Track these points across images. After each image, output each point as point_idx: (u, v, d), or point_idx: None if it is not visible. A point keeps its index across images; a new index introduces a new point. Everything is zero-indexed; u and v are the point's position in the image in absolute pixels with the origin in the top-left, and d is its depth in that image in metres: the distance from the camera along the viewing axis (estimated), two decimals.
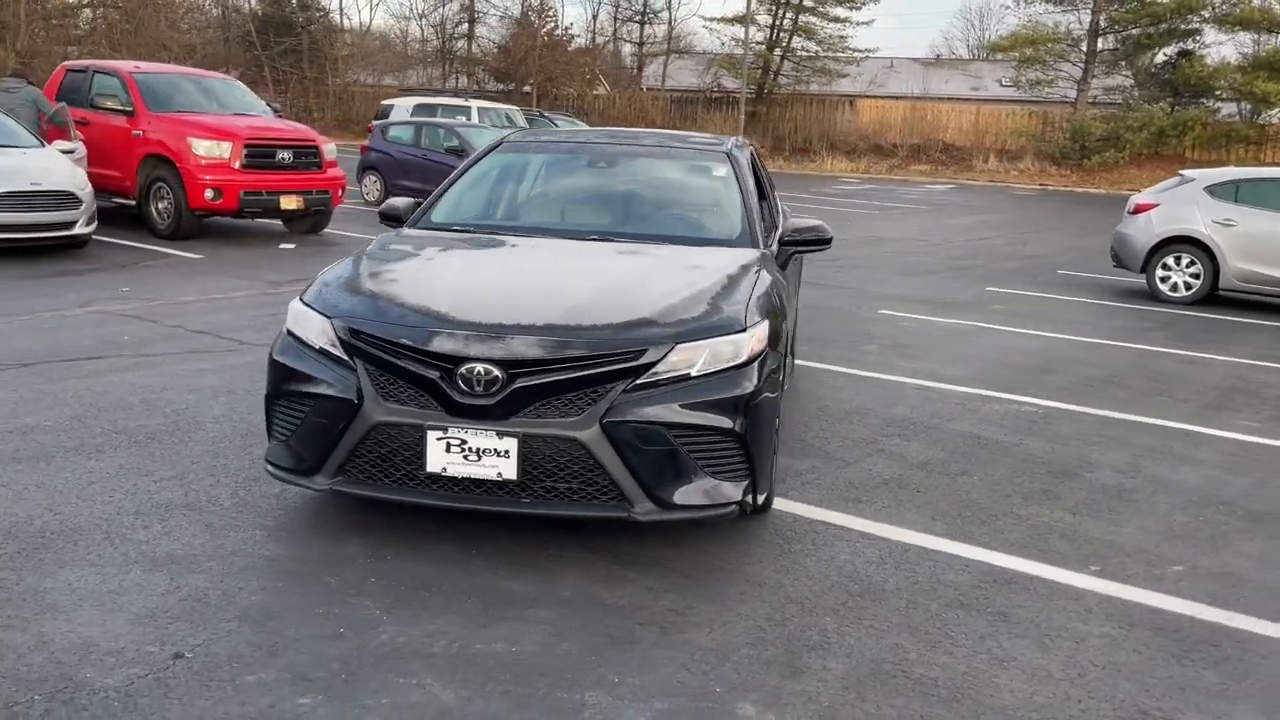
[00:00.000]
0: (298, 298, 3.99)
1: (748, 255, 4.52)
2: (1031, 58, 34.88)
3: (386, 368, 3.57)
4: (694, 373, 3.59)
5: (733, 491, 3.66)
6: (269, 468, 3.82)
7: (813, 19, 40.25)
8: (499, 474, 3.48)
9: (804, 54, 40.73)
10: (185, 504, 4.07)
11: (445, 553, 3.73)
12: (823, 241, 4.99)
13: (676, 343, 3.59)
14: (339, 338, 3.68)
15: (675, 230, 4.84)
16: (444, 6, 45.03)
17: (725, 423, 3.60)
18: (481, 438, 3.47)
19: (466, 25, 45.53)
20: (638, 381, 3.52)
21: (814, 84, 40.62)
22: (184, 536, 3.76)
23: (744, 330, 3.76)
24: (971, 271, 13.08)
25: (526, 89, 42.23)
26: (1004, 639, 3.35)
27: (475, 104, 20.39)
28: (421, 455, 3.52)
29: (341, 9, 44.92)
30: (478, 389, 3.47)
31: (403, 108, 20.80)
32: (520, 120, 21.13)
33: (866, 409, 6.10)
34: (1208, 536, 4.40)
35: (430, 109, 20.29)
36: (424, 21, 45.91)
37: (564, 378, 3.49)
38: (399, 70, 44.89)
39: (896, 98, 40.59)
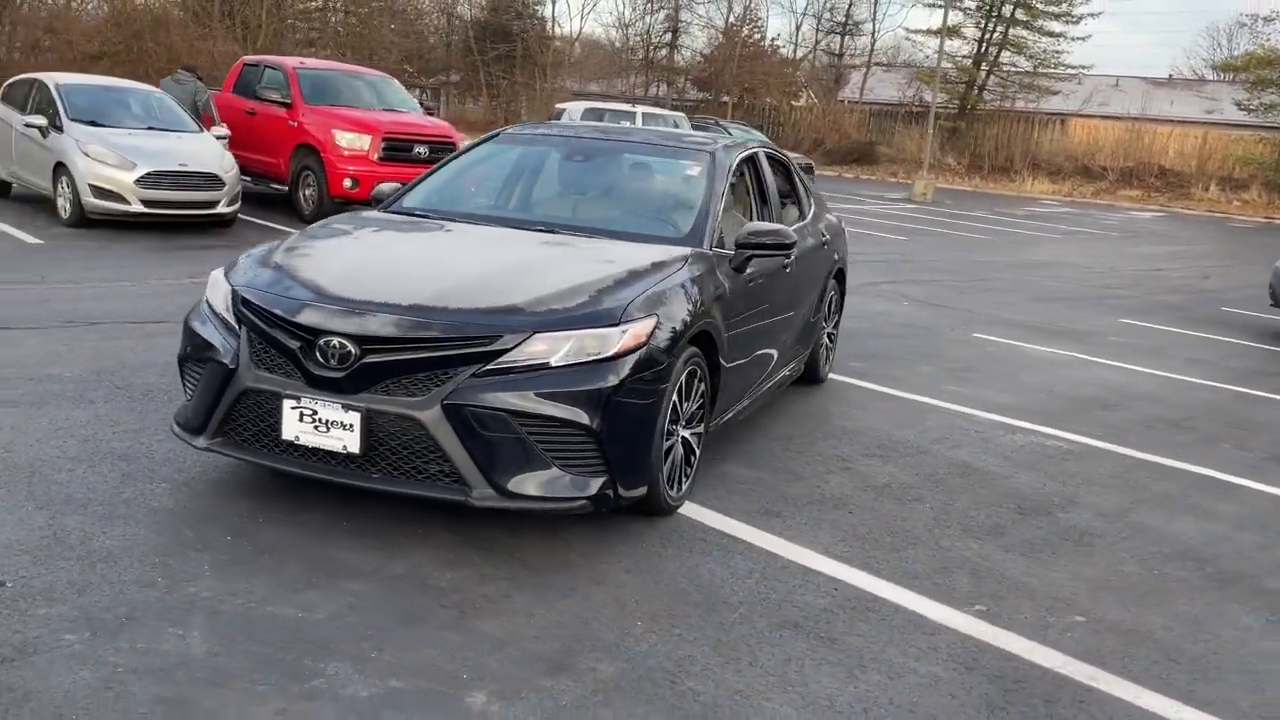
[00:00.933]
0: (220, 268, 4.23)
1: (674, 253, 4.44)
2: (1267, 80, 32.08)
3: (263, 336, 3.75)
4: (554, 362, 3.57)
5: (584, 487, 3.63)
6: (172, 425, 4.08)
7: (1024, 33, 38.50)
8: (344, 447, 3.59)
9: (1012, 69, 38.97)
10: (121, 454, 4.39)
11: (314, 522, 3.87)
12: (780, 247, 4.83)
13: (535, 331, 3.60)
14: (232, 306, 3.89)
15: (621, 225, 4.81)
16: (649, 16, 45.83)
17: (579, 415, 3.57)
18: (330, 410, 3.59)
19: (670, 35, 46.14)
20: (487, 367, 3.55)
21: (1021, 100, 38.82)
22: (94, 482, 4.07)
23: (615, 325, 3.72)
24: (1116, 302, 12.23)
25: (725, 99, 42.43)
26: (810, 664, 3.17)
27: (640, 109, 20.69)
28: (279, 423, 3.67)
29: (554, 17, 46.26)
30: (331, 362, 3.59)
31: (573, 111, 21.35)
32: (685, 126, 21.27)
33: (868, 428, 5.85)
34: (1145, 592, 3.99)
35: (598, 113, 20.73)
36: (629, 31, 46.84)
37: (413, 357, 3.56)
38: (603, 78, 46.02)
39: (1114, 118, 38.23)
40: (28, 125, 11.22)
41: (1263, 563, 4.39)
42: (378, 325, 3.59)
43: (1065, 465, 5.53)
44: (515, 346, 3.57)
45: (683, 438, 4.24)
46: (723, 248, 4.73)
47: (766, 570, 3.84)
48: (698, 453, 4.42)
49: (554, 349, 3.59)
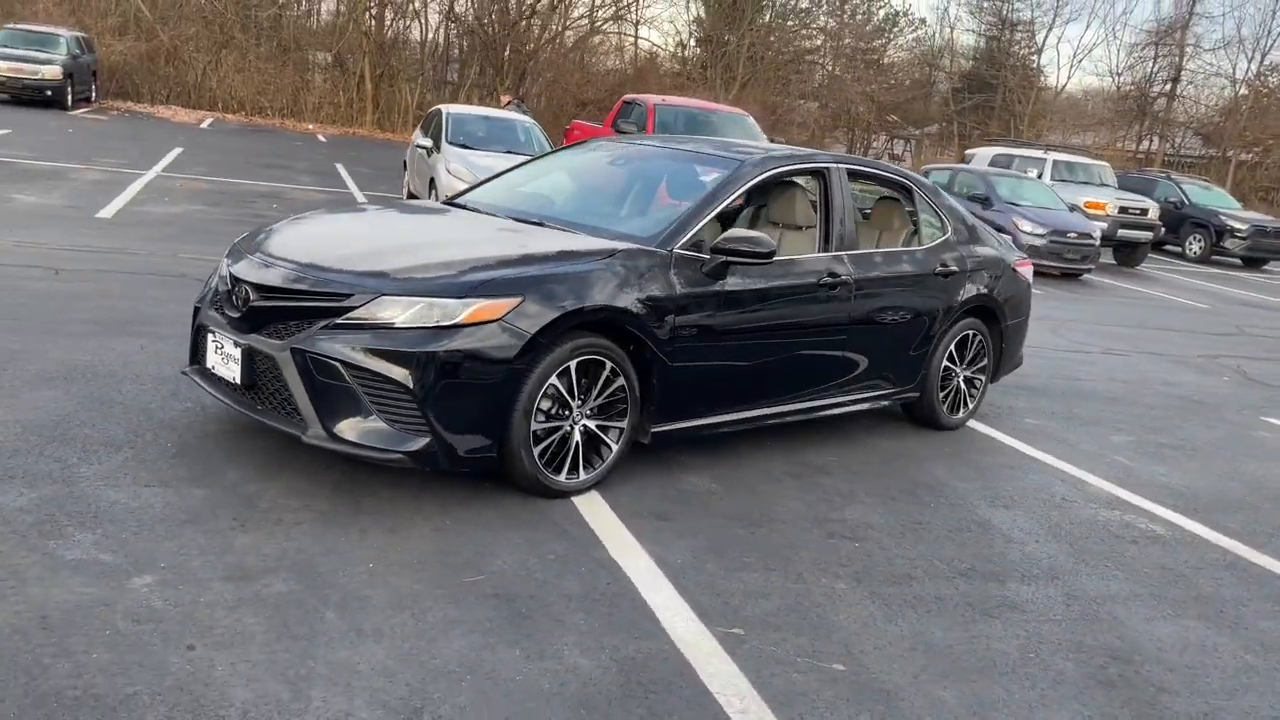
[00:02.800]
0: None
1: (609, 247, 4.53)
2: None
3: (220, 283, 4.51)
4: (397, 324, 3.91)
5: (404, 442, 3.91)
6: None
7: None
8: (234, 378, 4.22)
9: None
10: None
11: (259, 449, 4.52)
12: (753, 255, 4.68)
13: (382, 294, 3.97)
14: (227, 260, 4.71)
15: (601, 221, 4.94)
16: (1149, 64, 42.05)
17: (401, 375, 3.87)
18: (228, 345, 4.24)
19: (1170, 85, 41.92)
20: (337, 321, 3.98)
21: None
22: (63, 404, 5.08)
23: (460, 298, 3.97)
24: None
25: (1235, 155, 37.71)
26: (373, 653, 3.21)
27: (1051, 156, 19.31)
28: (206, 352, 4.40)
29: (1039, 67, 44.16)
30: (238, 304, 4.24)
31: (983, 156, 20.51)
32: (1108, 178, 19.50)
33: (932, 481, 5.36)
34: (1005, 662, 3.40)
35: (1007, 159, 19.75)
36: (1120, 79, 43.28)
37: (286, 305, 4.09)
38: (1088, 128, 43.01)
39: None
40: (418, 145, 13.39)
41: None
42: (272, 276, 4.16)
43: (1135, 551, 4.66)
44: (362, 305, 3.95)
45: (585, 426, 4.32)
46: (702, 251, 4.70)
47: (542, 559, 3.84)
48: (614, 446, 4.46)
49: (400, 312, 3.91)
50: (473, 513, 4.06)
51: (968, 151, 22.42)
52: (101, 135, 18.55)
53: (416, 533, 3.82)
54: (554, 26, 33.68)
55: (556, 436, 4.27)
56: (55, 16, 27.00)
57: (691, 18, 40.58)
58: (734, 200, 5.03)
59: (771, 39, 38.52)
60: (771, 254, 4.72)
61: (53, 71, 22.50)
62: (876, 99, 43.24)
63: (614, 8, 35.59)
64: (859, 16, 45.49)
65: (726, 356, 4.82)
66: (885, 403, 5.83)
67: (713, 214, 4.85)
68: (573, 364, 4.20)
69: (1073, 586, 4.15)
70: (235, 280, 4.29)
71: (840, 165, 5.58)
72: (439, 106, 14.29)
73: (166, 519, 3.67)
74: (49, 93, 22.38)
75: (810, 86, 42.36)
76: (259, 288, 4.15)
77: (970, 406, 6.33)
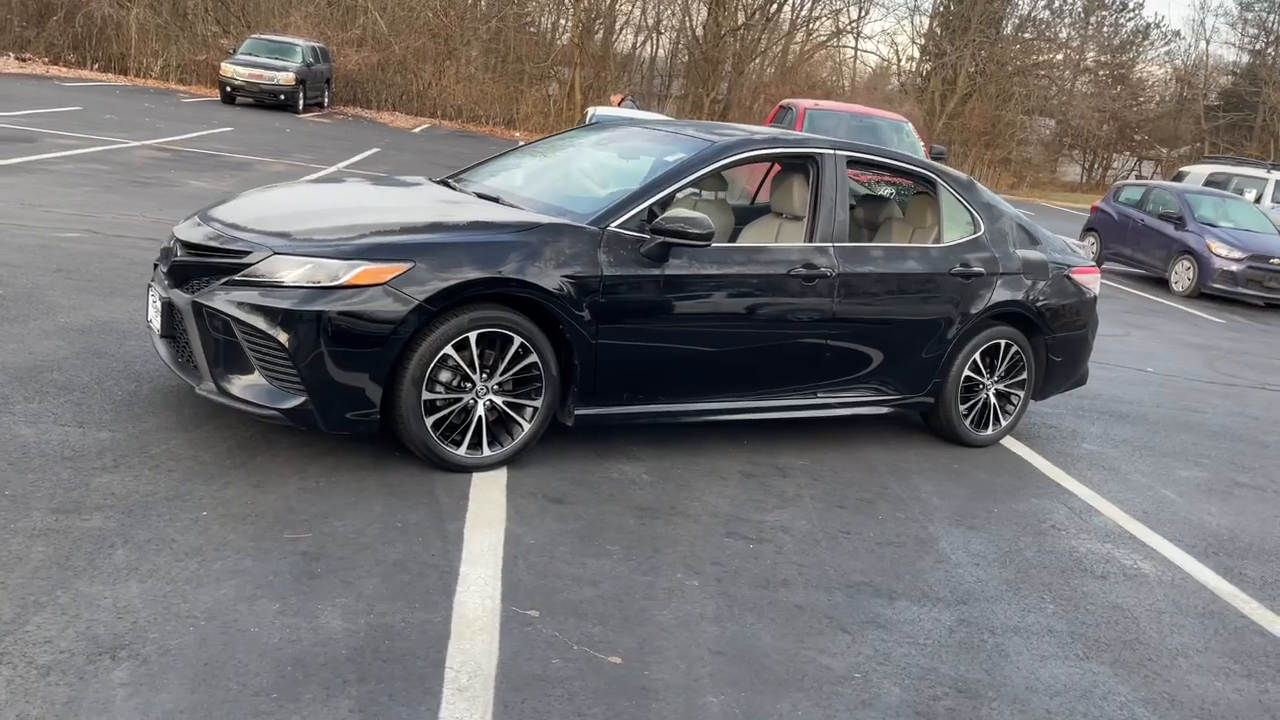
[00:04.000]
0: None
1: (532, 221, 4.44)
2: None
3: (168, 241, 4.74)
4: (286, 282, 3.99)
5: (280, 399, 3.99)
6: None
7: None
8: (159, 329, 4.43)
9: None
10: None
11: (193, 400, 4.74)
12: (690, 236, 4.46)
13: (275, 252, 4.06)
14: None
15: (553, 199, 4.85)
16: None
17: (278, 332, 3.93)
18: (156, 298, 4.46)
19: None
20: (235, 277, 4.10)
21: None
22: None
23: (346, 259, 4.01)
24: None
25: None
26: (127, 591, 3.22)
27: (1275, 176, 17.39)
28: (148, 307, 4.65)
29: None
30: (170, 260, 4.45)
31: (1197, 175, 18.78)
32: None
33: (902, 486, 4.95)
34: None
35: (1225, 178, 18.00)
36: None
37: (198, 261, 4.24)
38: None
39: None
40: None
41: None
42: (196, 234, 4.34)
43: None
44: (258, 263, 4.06)
45: (491, 402, 4.27)
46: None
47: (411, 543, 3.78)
48: (525, 425, 4.37)
49: (290, 271, 3.99)
50: (356, 477, 4.07)
51: (1181, 169, 20.55)
52: (314, 135, 20.01)
53: (280, 490, 3.87)
54: (765, 39, 33.57)
55: (457, 408, 4.21)
56: (302, 29, 29.41)
57: (918, 29, 39.35)
58: (689, 182, 4.80)
59: (1001, 49, 36.75)
60: (708, 236, 4.49)
61: (286, 78, 24.48)
62: (1119, 116, 40.47)
63: (833, 21, 35.09)
64: (1105, 29, 42.79)
65: (668, 343, 4.62)
66: (884, 409, 5.41)
67: (662, 195, 4.65)
68: (472, 336, 4.14)
69: (975, 614, 3.70)
70: (173, 238, 4.50)
71: (839, 153, 5.23)
72: (590, 108, 14.52)
73: (50, 454, 3.88)
74: (282, 97, 24.36)
75: (1041, 101, 40.10)
76: (184, 245, 4.33)
77: (1003, 423, 5.78)
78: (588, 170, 5.33)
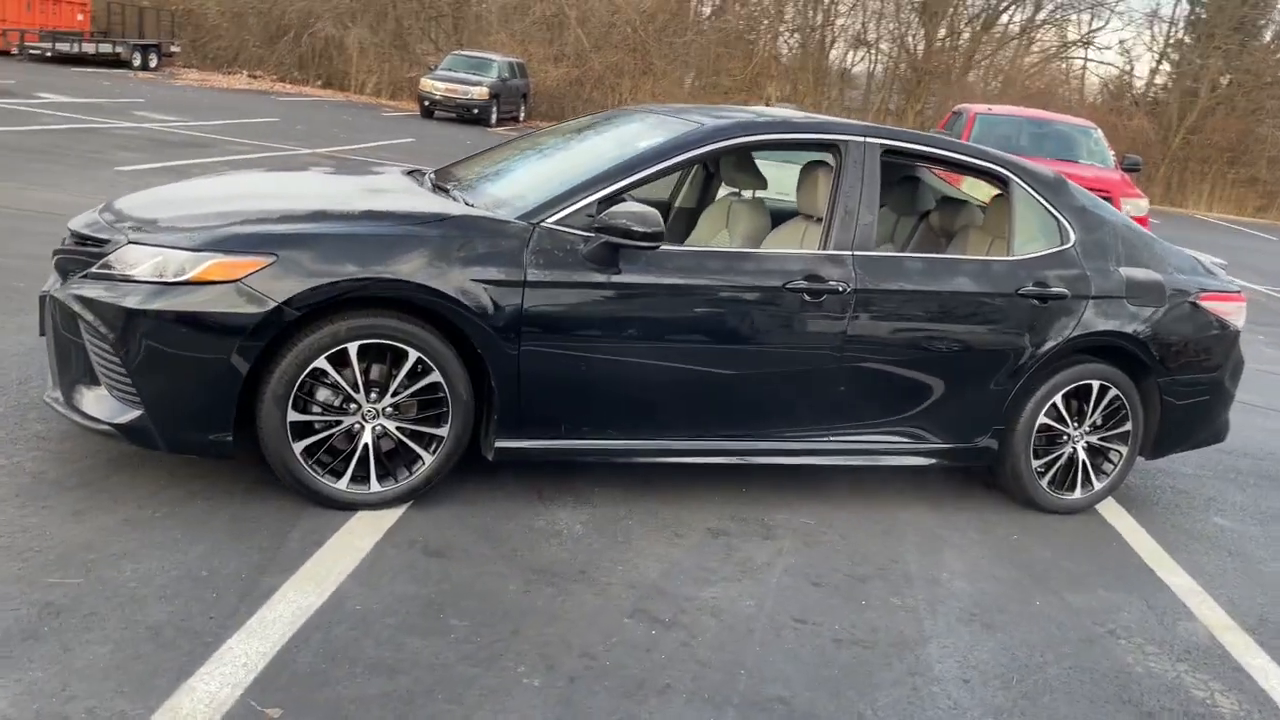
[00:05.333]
0: None
1: (441, 212, 3.72)
2: None
3: None
4: (135, 275, 3.41)
5: (117, 413, 3.41)
6: None
7: None
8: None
9: None
10: None
11: None
12: (634, 236, 3.61)
13: (129, 242, 3.52)
14: None
15: (502, 195, 4.07)
16: None
17: (112, 333, 3.37)
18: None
19: None
20: (92, 269, 3.54)
21: None
22: None
23: (195, 251, 3.40)
24: None
25: None
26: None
27: None
28: None
29: None
30: (55, 251, 3.94)
31: None
32: None
33: (920, 563, 3.89)
34: None
35: None
36: None
37: (76, 251, 3.72)
38: None
39: None
40: None
41: None
42: (77, 222, 3.85)
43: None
44: (111, 252, 3.51)
45: (382, 428, 3.58)
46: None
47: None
48: (427, 458, 3.65)
49: (140, 263, 3.43)
50: (209, 509, 3.47)
51: None
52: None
53: (99, 521, 3.29)
54: (982, 50, 31.55)
55: (338, 432, 3.54)
56: (507, 46, 29.97)
57: (1155, 38, 35.93)
58: (656, 172, 3.93)
59: (1259, 58, 32.94)
60: (655, 237, 3.62)
61: (480, 92, 24.89)
62: None
63: (1059, 31, 32.59)
64: None
65: (618, 367, 3.78)
66: (922, 460, 4.33)
67: (617, 187, 3.81)
68: (352, 347, 3.45)
69: None
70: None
71: (870, 140, 4.21)
72: None
73: None
74: (475, 111, 24.78)
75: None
76: (71, 234, 3.86)
77: (1095, 485, 4.55)
78: (571, 161, 4.53)
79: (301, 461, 3.50)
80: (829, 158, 4.24)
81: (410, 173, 4.63)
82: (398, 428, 3.60)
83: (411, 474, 3.65)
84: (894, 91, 33.89)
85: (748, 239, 4.57)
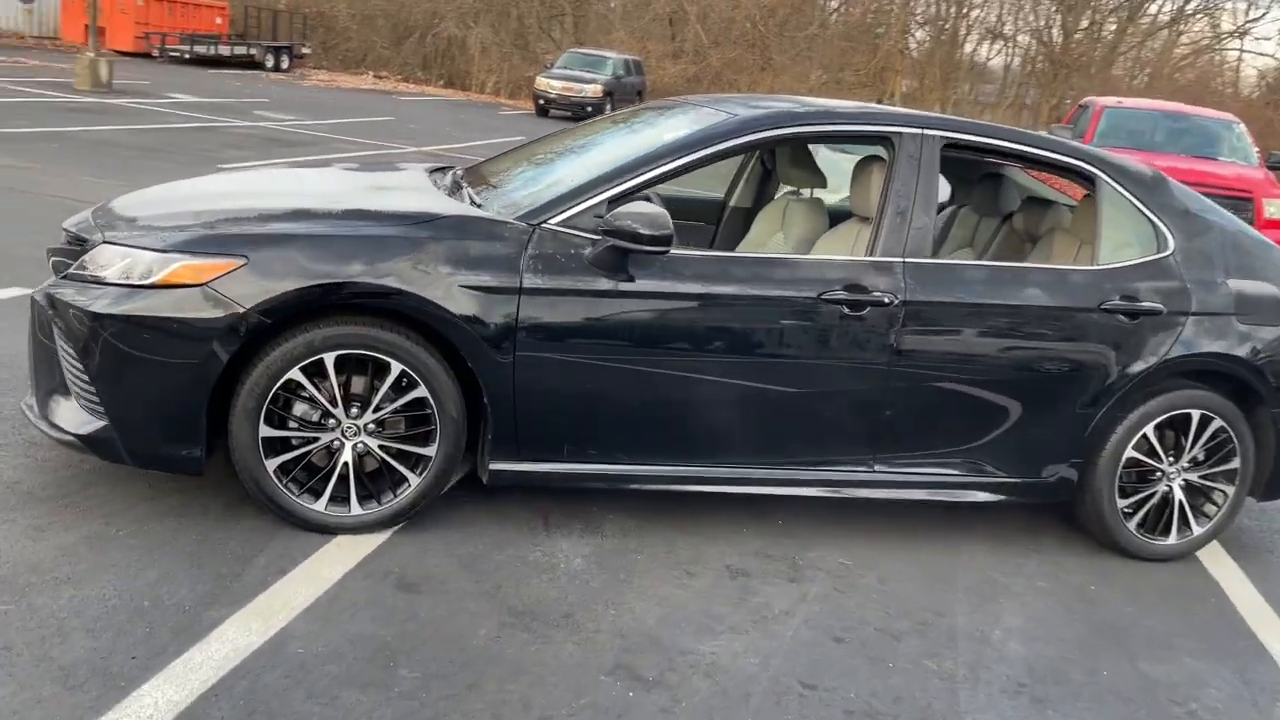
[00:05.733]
0: None
1: (431, 212, 3.40)
2: None
3: None
4: (106, 277, 3.17)
5: (80, 423, 3.19)
6: None
7: None
8: None
9: None
10: None
11: None
12: (640, 240, 3.22)
13: (104, 241, 3.31)
14: None
15: (518, 192, 3.73)
16: None
17: (75, 338, 3.17)
18: None
19: None
20: (70, 270, 3.36)
21: None
22: None
23: (163, 252, 3.16)
24: None
25: None
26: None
27: None
28: None
29: None
30: (50, 252, 3.78)
31: None
32: None
33: (971, 616, 3.41)
34: None
35: None
36: None
37: (67, 250, 3.56)
38: None
39: None
40: None
41: None
42: (72, 221, 3.68)
43: None
44: (87, 253, 3.32)
45: (364, 446, 3.30)
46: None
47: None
48: (412, 479, 3.35)
49: (111, 264, 3.22)
50: (175, 529, 3.24)
51: None
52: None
53: (59, 539, 3.09)
54: (1126, 42, 29.85)
55: (315, 449, 3.27)
56: (626, 44, 29.82)
57: None
58: (676, 169, 3.52)
59: None
60: (663, 241, 3.24)
61: (594, 90, 24.81)
62: None
63: (1211, 21, 30.60)
64: None
65: (627, 384, 3.40)
66: (983, 495, 3.82)
67: (630, 185, 3.43)
68: (329, 358, 3.17)
69: None
70: None
71: (929, 132, 3.72)
72: None
73: None
74: (589, 109, 24.64)
75: None
76: (65, 233, 3.69)
77: (1194, 530, 3.96)
78: (597, 157, 4.15)
79: (275, 480, 3.23)
80: (884, 152, 3.76)
81: (435, 170, 4.32)
82: (381, 446, 3.30)
83: (396, 496, 3.35)
84: (1030, 86, 32.46)
85: (802, 243, 4.13)
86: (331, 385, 3.21)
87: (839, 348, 3.50)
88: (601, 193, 3.40)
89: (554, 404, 3.36)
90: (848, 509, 3.89)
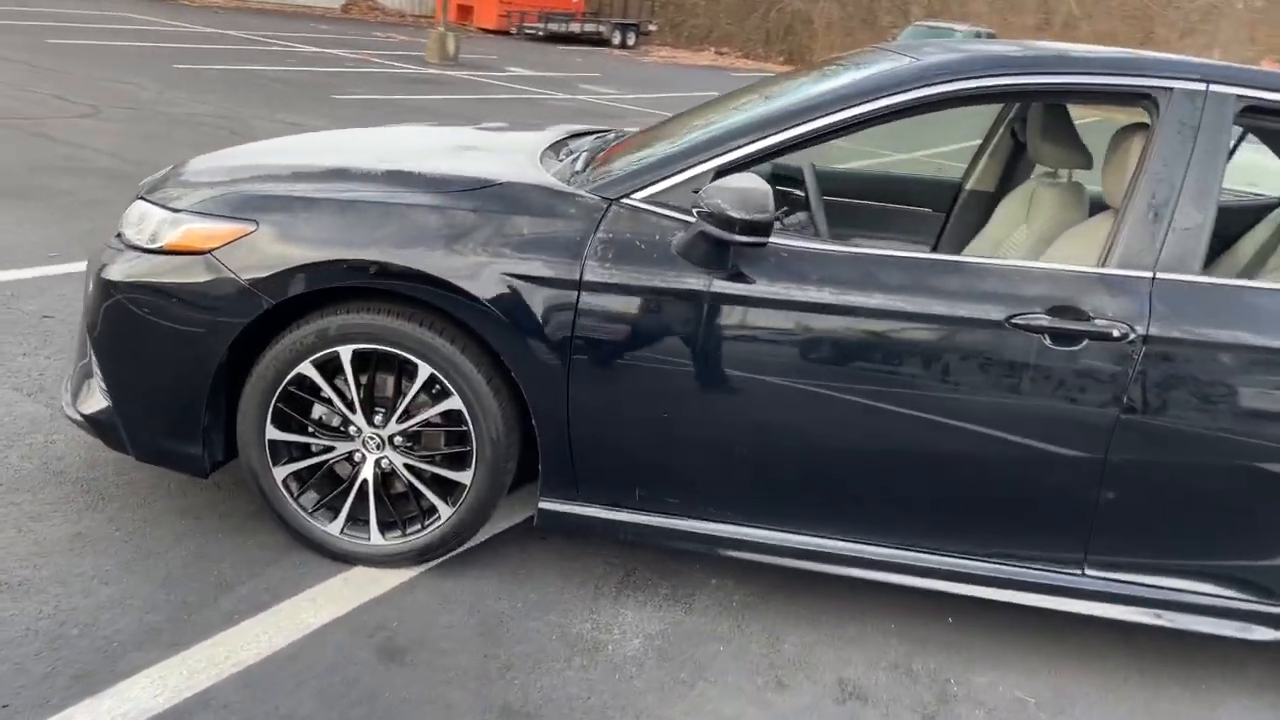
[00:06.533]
0: None
1: (488, 178, 2.67)
2: None
3: None
4: (129, 239, 2.70)
5: (91, 403, 2.79)
6: None
7: None
8: None
9: None
10: None
11: None
12: (731, 226, 2.33)
13: (138, 198, 2.90)
14: None
15: (623, 160, 2.92)
16: None
17: (88, 300, 2.79)
18: None
19: None
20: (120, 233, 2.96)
21: None
22: None
23: (175, 212, 2.70)
24: None
25: None
26: None
27: None
28: None
29: None
30: None
31: None
32: None
33: None
34: None
35: None
36: None
37: None
38: None
39: None
40: None
41: None
42: (145, 182, 3.29)
43: None
44: (126, 211, 2.92)
45: (388, 463, 2.71)
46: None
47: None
48: (441, 509, 2.71)
49: (136, 223, 2.77)
50: (175, 539, 2.79)
51: None
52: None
53: (56, 533, 2.73)
54: None
55: (333, 459, 2.71)
56: (983, 17, 27.62)
57: None
58: (813, 132, 2.55)
59: None
60: (758, 228, 2.35)
61: None
62: None
63: None
64: None
65: (719, 417, 2.54)
66: (1260, 632, 2.57)
67: (744, 153, 2.54)
68: (344, 353, 2.58)
69: None
70: None
71: (1218, 88, 2.51)
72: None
73: None
74: None
75: None
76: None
77: None
78: (733, 117, 3.24)
79: (284, 491, 2.68)
80: (1146, 118, 2.59)
81: (572, 136, 3.57)
82: (408, 465, 2.65)
83: (425, 529, 2.69)
84: None
85: (1042, 241, 3.05)
86: (349, 385, 2.59)
87: (1035, 394, 2.42)
88: (707, 160, 2.53)
89: (621, 433, 2.56)
90: (1042, 620, 2.76)
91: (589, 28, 28.50)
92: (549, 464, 2.61)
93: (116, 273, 2.64)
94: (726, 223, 2.33)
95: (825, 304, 2.42)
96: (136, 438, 2.71)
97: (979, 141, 3.96)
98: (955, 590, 2.62)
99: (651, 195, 2.53)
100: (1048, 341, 2.39)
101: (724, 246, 2.42)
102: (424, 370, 2.55)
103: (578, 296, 2.45)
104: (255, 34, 18.08)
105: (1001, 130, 3.85)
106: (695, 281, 2.44)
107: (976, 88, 2.54)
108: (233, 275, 2.51)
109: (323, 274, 2.49)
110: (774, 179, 3.92)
